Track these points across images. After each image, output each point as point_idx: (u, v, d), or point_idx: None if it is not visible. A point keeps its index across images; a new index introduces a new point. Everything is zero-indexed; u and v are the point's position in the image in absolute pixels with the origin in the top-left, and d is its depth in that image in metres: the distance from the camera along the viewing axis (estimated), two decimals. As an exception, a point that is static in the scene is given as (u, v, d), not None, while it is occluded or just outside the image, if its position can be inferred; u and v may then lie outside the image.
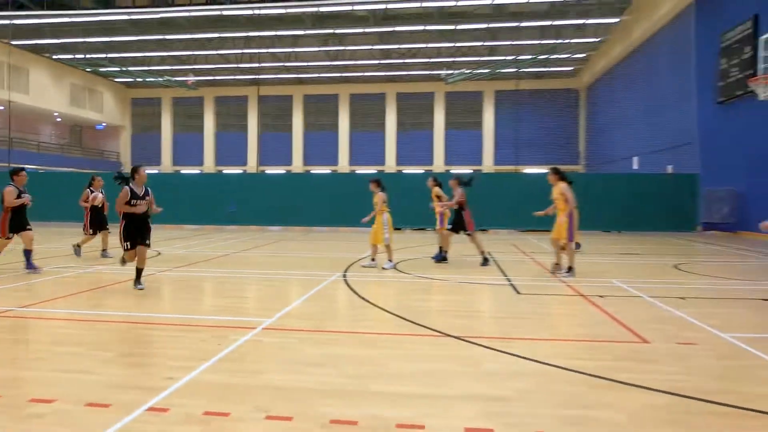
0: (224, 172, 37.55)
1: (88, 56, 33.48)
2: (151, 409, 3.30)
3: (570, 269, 8.79)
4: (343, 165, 40.56)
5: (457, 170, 34.26)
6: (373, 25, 27.24)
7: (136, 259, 7.35)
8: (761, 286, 8.15)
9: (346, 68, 36.38)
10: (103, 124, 42.55)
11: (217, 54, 33.22)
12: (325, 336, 5.13)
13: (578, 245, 11.80)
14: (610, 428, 3.11)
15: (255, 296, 7.48)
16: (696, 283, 8.66)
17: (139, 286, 7.31)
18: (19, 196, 8.56)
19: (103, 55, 33.63)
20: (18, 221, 8.64)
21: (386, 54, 33.52)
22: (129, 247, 7.32)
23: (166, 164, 43.19)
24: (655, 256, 12.17)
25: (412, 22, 27.28)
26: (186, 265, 10.15)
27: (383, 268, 9.54)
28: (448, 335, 5.09)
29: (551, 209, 9.28)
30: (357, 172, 33.21)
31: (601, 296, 7.11)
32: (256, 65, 33.53)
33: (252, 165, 40.76)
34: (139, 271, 7.38)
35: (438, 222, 10.87)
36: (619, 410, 3.36)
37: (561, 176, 9.00)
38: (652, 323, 5.63)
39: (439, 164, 39.36)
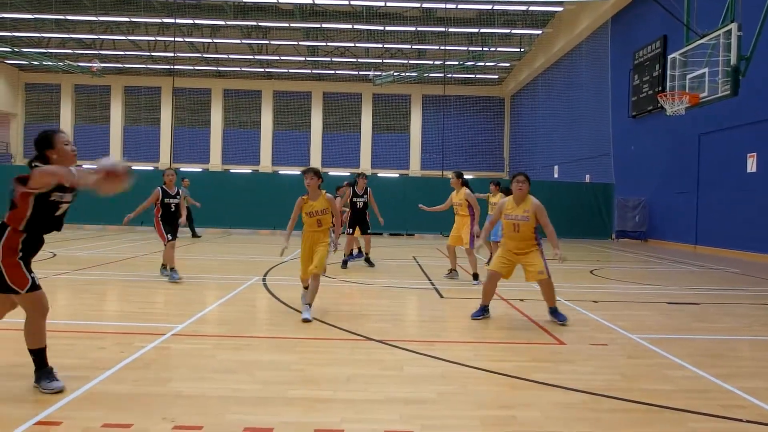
0: (134, 168, 35.25)
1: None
2: (40, 423, 2.97)
3: (476, 276, 8.74)
4: (266, 165, 39.30)
5: (382, 174, 34.52)
6: (300, 19, 26.75)
7: None
8: (666, 291, 8.68)
9: (270, 63, 35.46)
10: (-13, 110, 38.25)
11: (128, 40, 31.09)
12: (240, 341, 4.87)
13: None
14: (526, 427, 3.13)
15: (164, 301, 6.94)
16: (608, 287, 9.09)
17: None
18: None
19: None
20: None
21: (313, 51, 33.03)
22: None
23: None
24: (573, 262, 12.69)
25: (340, 20, 27.06)
26: (87, 268, 9.43)
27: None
28: (370, 339, 4.98)
29: (439, 208, 9.45)
30: (280, 172, 32.17)
31: (521, 300, 7.27)
32: (171, 55, 31.58)
33: (165, 162, 38.52)
34: None
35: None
36: (535, 409, 3.41)
37: (464, 182, 8.97)
38: (568, 325, 5.80)
39: (366, 167, 39.30)
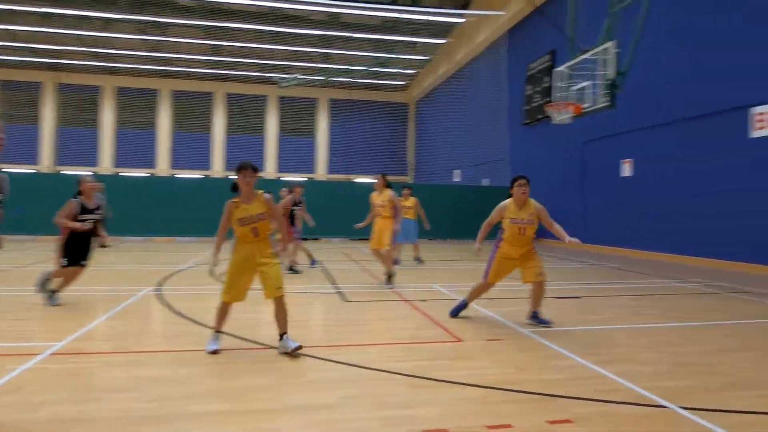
0: (9, 171, 32.00)
1: None
2: None
3: (389, 278, 8.74)
4: (162, 168, 37.25)
5: (288, 178, 33.96)
6: (200, 17, 25.72)
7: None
8: (555, 286, 9.29)
9: (168, 61, 33.70)
10: None
11: (4, 29, 28.17)
12: (131, 357, 4.57)
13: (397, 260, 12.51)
14: (425, 425, 3.21)
15: (41, 317, 6.19)
16: (504, 285, 9.55)
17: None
18: None
19: None
20: None
21: (215, 50, 31.86)
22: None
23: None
24: (472, 262, 13.24)
25: (244, 20, 26.37)
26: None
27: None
28: (272, 347, 4.88)
29: (370, 217, 9.03)
30: (177, 176, 30.39)
31: (423, 300, 7.47)
32: (56, 47, 28.96)
33: (47, 164, 35.40)
34: None
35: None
36: (434, 406, 3.51)
37: (388, 183, 8.94)
38: (466, 323, 6.05)
39: (271, 171, 38.58)
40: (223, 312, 4.90)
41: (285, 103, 39.40)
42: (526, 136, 22.15)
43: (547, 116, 16.67)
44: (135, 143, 37.20)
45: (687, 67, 13.29)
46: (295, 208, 10.62)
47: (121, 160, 36.86)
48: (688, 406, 3.52)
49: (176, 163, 37.50)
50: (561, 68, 13.02)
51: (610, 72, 11.25)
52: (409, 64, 33.06)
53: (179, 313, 6.40)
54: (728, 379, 4.19)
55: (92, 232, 6.78)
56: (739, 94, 11.81)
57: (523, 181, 5.87)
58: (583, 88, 12.27)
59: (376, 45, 30.92)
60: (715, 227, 12.51)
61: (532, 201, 5.92)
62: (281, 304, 4.79)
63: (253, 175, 4.83)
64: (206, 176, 33.14)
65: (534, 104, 21.02)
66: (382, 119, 41.03)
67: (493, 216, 6.09)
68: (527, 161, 21.90)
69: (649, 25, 12.06)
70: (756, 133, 11.49)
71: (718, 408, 3.53)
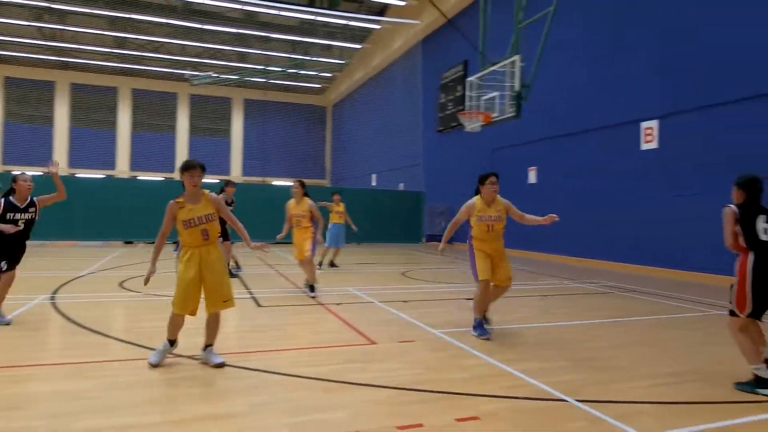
0: None
1: None
2: None
3: (312, 287, 8.23)
4: (63, 167, 34.67)
5: (204, 179, 32.60)
6: (104, 6, 24.18)
7: None
8: (466, 288, 9.64)
9: (66, 52, 31.34)
10: None
11: None
12: (20, 372, 4.21)
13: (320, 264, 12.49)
14: (336, 428, 3.22)
15: None
16: (417, 287, 9.81)
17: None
18: None
19: None
20: None
21: (120, 43, 30.02)
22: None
23: None
24: (387, 265, 13.45)
25: (153, 13, 25.09)
26: None
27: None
28: (180, 356, 4.68)
29: (287, 227, 8.35)
30: (78, 175, 28.11)
31: (338, 304, 7.48)
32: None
33: None
34: None
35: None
36: (345, 409, 3.52)
37: (305, 192, 8.31)
38: (379, 326, 6.12)
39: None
40: (175, 323, 4.48)
41: (197, 101, 37.93)
42: (440, 143, 22.82)
43: (460, 124, 17.31)
44: (27, 139, 34.22)
45: (586, 83, 14.32)
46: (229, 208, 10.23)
47: (11, 157, 33.79)
48: (584, 399, 3.79)
49: (77, 161, 34.88)
50: (472, 78, 13.55)
51: (517, 84, 11.87)
52: (327, 67, 32.99)
53: (75, 323, 5.97)
54: (621, 372, 4.55)
55: (24, 234, 5.95)
56: (632, 110, 12.89)
57: (494, 179, 5.79)
58: (492, 98, 12.85)
59: (294, 46, 30.59)
60: (608, 232, 13.56)
61: (499, 197, 5.85)
62: (218, 315, 4.55)
63: (201, 175, 4.54)
64: (109, 176, 31.08)
65: (447, 112, 21.71)
66: (299, 122, 40.60)
67: (461, 214, 5.94)
68: (441, 167, 22.57)
69: (552, 42, 12.87)
70: (645, 146, 12.58)
71: (610, 399, 3.82)
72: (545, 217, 5.61)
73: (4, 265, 5.79)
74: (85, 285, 8.89)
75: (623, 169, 13.07)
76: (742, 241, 4.15)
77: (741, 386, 4.13)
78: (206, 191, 4.58)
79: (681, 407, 3.71)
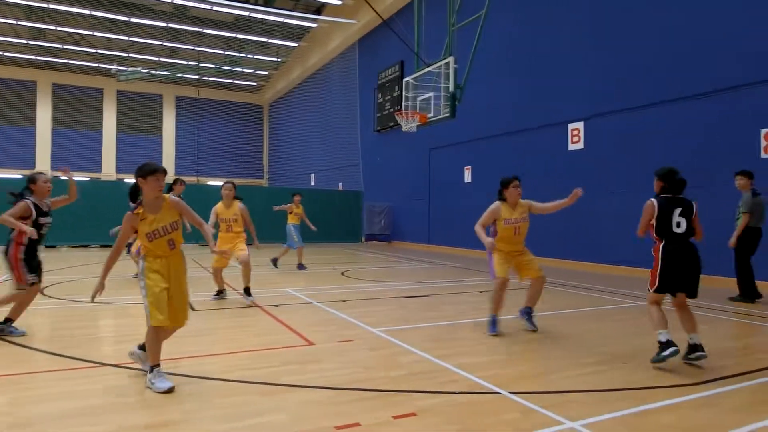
0: None
1: None
2: None
3: (248, 290, 7.65)
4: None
5: (130, 179, 31.27)
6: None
7: None
8: (404, 286, 9.74)
9: (-17, 46, 29.22)
10: None
11: None
12: None
13: (276, 262, 12.31)
14: (273, 431, 3.16)
15: None
16: (357, 287, 9.80)
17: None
18: None
19: None
20: None
21: (39, 34, 28.16)
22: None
23: None
24: (326, 265, 13.36)
25: (74, 3, 23.69)
26: None
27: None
28: (105, 364, 4.45)
29: (211, 230, 7.85)
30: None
31: (275, 305, 7.36)
32: None
33: None
34: None
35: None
36: (283, 412, 3.47)
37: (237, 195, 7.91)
38: (318, 326, 6.08)
39: (109, 171, 35.19)
40: (158, 339, 4.05)
41: (125, 98, 36.24)
42: (378, 142, 22.93)
43: (398, 124, 17.48)
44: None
45: (517, 85, 14.82)
46: None
47: None
48: (516, 391, 3.92)
49: (-7, 160, 32.50)
50: (408, 79, 13.71)
51: (451, 85, 12.11)
52: (263, 65, 32.36)
53: (-11, 334, 5.54)
54: (552, 363, 4.74)
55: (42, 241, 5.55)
56: (560, 111, 13.46)
57: (517, 182, 5.91)
58: (428, 99, 13.04)
59: (228, 43, 29.83)
60: (538, 229, 14.08)
61: (520, 199, 5.99)
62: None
63: (164, 180, 4.07)
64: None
65: (385, 112, 21.85)
66: (235, 120, 39.67)
67: (486, 218, 5.98)
68: (379, 166, 22.69)
69: (485, 45, 13.23)
70: (572, 146, 13.17)
71: (541, 390, 3.97)
72: (570, 196, 5.75)
73: (34, 278, 5.48)
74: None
75: (553, 168, 13.62)
76: (653, 232, 4.67)
77: (653, 359, 4.56)
78: (166, 196, 4.12)
79: (607, 394, 3.91)
